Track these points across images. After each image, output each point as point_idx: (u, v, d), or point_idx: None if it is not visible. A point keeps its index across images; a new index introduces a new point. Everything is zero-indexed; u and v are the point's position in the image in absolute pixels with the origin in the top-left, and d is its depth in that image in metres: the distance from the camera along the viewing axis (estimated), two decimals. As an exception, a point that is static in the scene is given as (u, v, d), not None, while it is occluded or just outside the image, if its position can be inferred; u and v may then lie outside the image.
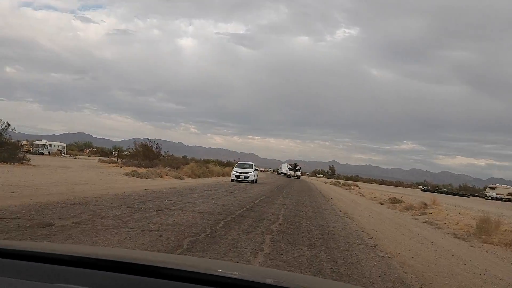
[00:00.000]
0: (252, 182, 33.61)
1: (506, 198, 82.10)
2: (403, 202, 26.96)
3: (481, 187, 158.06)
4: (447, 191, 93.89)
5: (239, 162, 40.21)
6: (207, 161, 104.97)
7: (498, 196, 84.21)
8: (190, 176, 36.73)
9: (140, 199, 13.13)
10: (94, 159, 61.43)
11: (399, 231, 12.60)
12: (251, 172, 34.65)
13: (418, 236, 11.92)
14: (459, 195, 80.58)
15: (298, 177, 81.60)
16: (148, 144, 46.88)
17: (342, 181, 68.99)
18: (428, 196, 50.74)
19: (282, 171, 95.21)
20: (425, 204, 23.34)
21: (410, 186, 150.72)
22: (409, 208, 22.39)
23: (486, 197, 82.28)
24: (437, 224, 16.01)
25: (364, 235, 10.31)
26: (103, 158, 60.78)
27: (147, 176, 28.95)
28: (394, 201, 27.04)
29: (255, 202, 16.47)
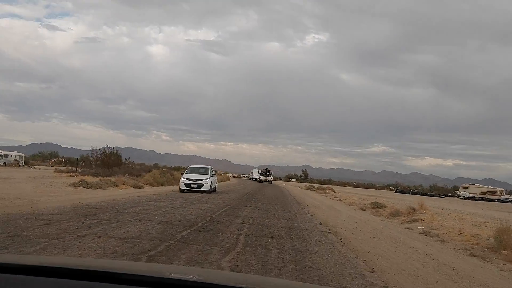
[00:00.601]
0: (208, 192, 25.37)
1: (480, 197, 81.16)
2: (386, 206, 24.00)
3: (450, 187, 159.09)
4: (420, 192, 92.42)
5: (191, 166, 30.49)
6: (177, 169, 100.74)
7: (471, 195, 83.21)
8: (151, 185, 33.07)
9: (52, 218, 9.52)
10: (54, 169, 56.74)
11: (401, 251, 9.39)
12: (206, 179, 26.04)
13: (429, 258, 8.74)
14: (433, 196, 78.94)
15: (270, 181, 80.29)
16: (107, 152, 42.91)
17: (316, 185, 66.09)
18: (407, 199, 48.33)
19: (253, 176, 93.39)
20: (413, 209, 20.41)
21: (383, 188, 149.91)
22: (395, 214, 19.37)
23: (460, 197, 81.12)
24: (437, 236, 12.95)
25: (361, 265, 7.01)
26: (60, 167, 55.95)
27: (98, 186, 25.31)
28: (377, 206, 24.03)
29: (214, 215, 13.04)
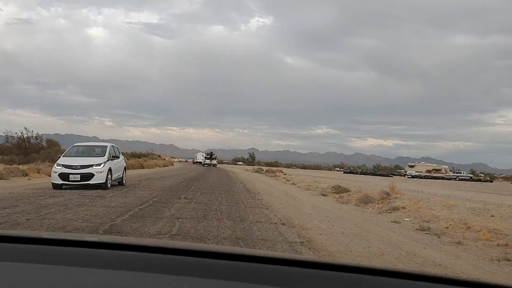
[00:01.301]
0: (103, 186, 15.23)
1: (425, 175, 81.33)
2: (350, 190, 20.42)
3: (392, 166, 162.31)
4: (369, 172, 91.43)
5: (75, 145, 18.03)
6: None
7: (417, 173, 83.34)
8: None
9: None
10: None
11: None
12: (99, 166, 15.44)
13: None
14: (382, 175, 77.95)
15: (215, 165, 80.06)
16: (24, 136, 36.62)
17: (264, 168, 62.29)
18: (361, 179, 45.55)
19: (198, 160, 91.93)
20: (387, 194, 16.83)
21: (330, 169, 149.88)
22: (366, 200, 15.64)
23: (407, 176, 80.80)
24: (444, 234, 9.22)
25: None
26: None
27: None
28: (338, 190, 20.36)
29: (124, 217, 8.56)
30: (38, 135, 37.11)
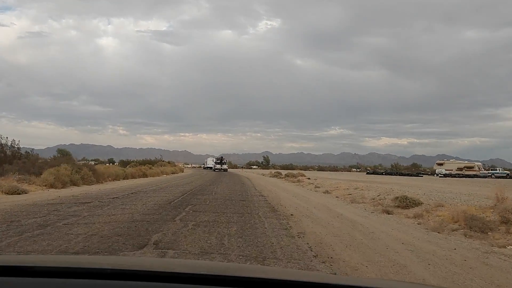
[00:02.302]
0: None
1: (456, 174, 73.78)
2: (421, 203, 13.74)
3: (408, 165, 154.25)
4: (396, 172, 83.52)
5: None
6: (126, 162, 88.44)
7: (447, 172, 75.77)
8: (52, 186, 21.99)
9: None
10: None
11: None
12: None
13: None
14: (411, 175, 70.33)
15: (225, 170, 78.73)
16: (-2, 143, 30.65)
17: (283, 172, 55.39)
18: (401, 182, 38.53)
19: (208, 166, 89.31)
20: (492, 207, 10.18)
21: (349, 170, 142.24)
22: (481, 226, 9.07)
23: (439, 175, 73.29)
24: None
25: None
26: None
27: None
28: (405, 203, 13.74)
29: None
30: (14, 142, 31.02)
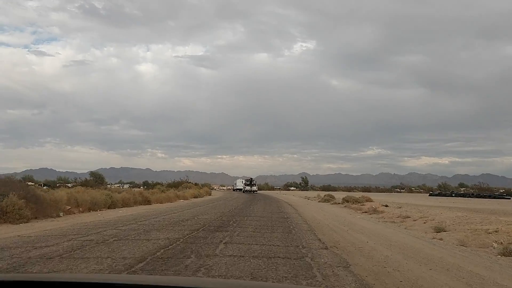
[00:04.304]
0: None
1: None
2: None
3: (451, 185, 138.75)
4: (471, 194, 66.94)
5: None
6: (152, 185, 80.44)
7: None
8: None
9: None
10: None
11: None
12: None
13: None
14: (494, 197, 56.14)
15: (255, 191, 77.28)
16: None
17: (336, 195, 41.87)
18: (496, 207, 26.72)
19: (238, 187, 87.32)
20: None
21: (391, 191, 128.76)
22: None
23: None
24: None
25: None
26: None
27: None
28: None
29: None
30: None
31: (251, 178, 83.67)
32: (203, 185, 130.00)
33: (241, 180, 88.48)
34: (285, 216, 18.67)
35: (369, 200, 27.66)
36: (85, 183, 53.47)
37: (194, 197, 42.07)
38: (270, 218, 17.12)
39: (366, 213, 19.88)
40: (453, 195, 63.03)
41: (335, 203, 29.51)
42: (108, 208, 21.23)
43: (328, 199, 32.92)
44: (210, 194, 54.83)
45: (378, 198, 39.39)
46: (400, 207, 21.32)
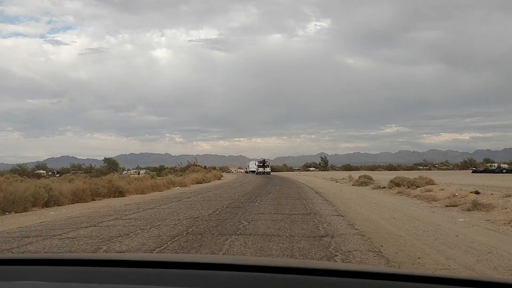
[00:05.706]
0: None
1: None
2: None
3: (476, 161, 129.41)
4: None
5: None
6: (160, 169, 74.29)
7: None
8: None
9: None
10: None
11: None
12: None
13: None
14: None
15: (268, 173, 75.48)
16: None
17: (375, 176, 29.47)
18: None
19: (251, 169, 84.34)
20: None
21: (412, 168, 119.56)
22: None
23: None
24: None
25: None
26: None
27: None
28: None
29: None
30: None
31: (264, 160, 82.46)
32: (221, 168, 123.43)
33: (254, 162, 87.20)
34: (308, 208, 10.96)
35: (431, 182, 19.52)
36: (89, 170, 48.76)
37: (197, 183, 34.86)
38: (291, 209, 9.46)
39: (462, 210, 11.20)
40: (504, 171, 53.75)
41: (378, 187, 21.31)
42: (46, 206, 14.14)
43: (365, 182, 24.64)
44: (219, 179, 47.55)
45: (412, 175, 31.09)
46: (466, 193, 13.29)
